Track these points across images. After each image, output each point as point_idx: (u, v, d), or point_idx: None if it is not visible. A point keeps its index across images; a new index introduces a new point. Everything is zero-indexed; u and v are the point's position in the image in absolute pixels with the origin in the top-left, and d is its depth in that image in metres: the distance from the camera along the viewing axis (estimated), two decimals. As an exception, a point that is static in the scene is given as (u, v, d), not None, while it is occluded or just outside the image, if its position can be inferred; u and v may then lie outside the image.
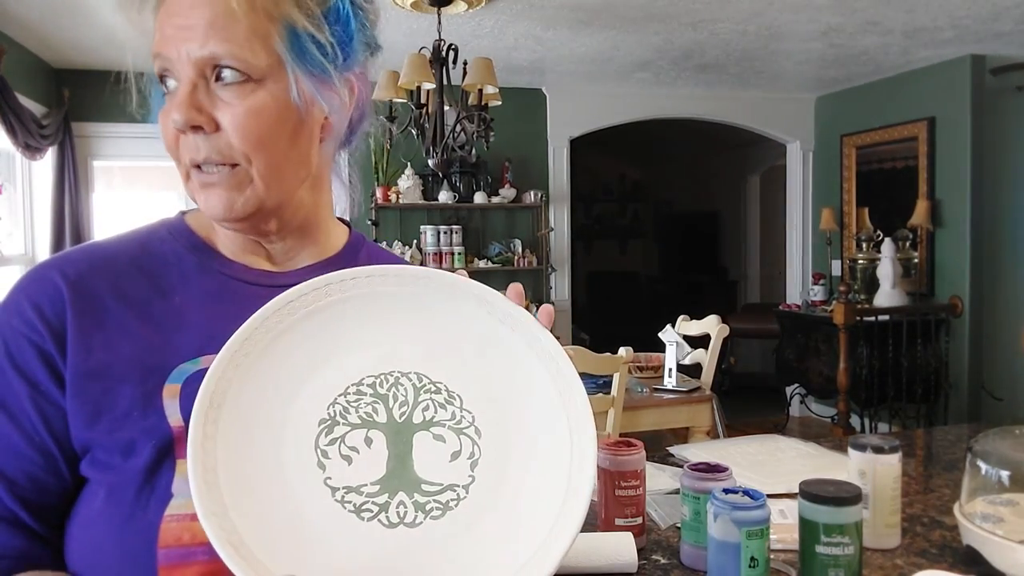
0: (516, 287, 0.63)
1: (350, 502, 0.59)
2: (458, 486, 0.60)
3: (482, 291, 0.61)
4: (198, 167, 0.66)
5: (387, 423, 0.61)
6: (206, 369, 0.65)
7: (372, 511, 0.59)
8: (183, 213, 0.76)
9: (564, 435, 0.60)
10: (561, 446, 0.60)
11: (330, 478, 0.60)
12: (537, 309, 0.64)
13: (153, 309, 0.68)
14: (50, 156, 3.95)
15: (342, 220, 0.83)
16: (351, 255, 0.79)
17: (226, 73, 0.64)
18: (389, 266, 0.62)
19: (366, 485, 0.60)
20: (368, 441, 0.61)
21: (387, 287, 0.61)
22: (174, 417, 0.64)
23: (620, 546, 0.96)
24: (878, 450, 1.01)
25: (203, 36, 0.63)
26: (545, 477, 0.60)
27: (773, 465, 1.34)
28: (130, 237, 0.73)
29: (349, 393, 0.61)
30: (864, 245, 4.87)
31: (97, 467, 0.63)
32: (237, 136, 0.64)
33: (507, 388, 0.62)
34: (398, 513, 0.59)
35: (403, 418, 0.61)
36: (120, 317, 0.66)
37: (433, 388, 0.62)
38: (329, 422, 0.61)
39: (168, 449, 0.63)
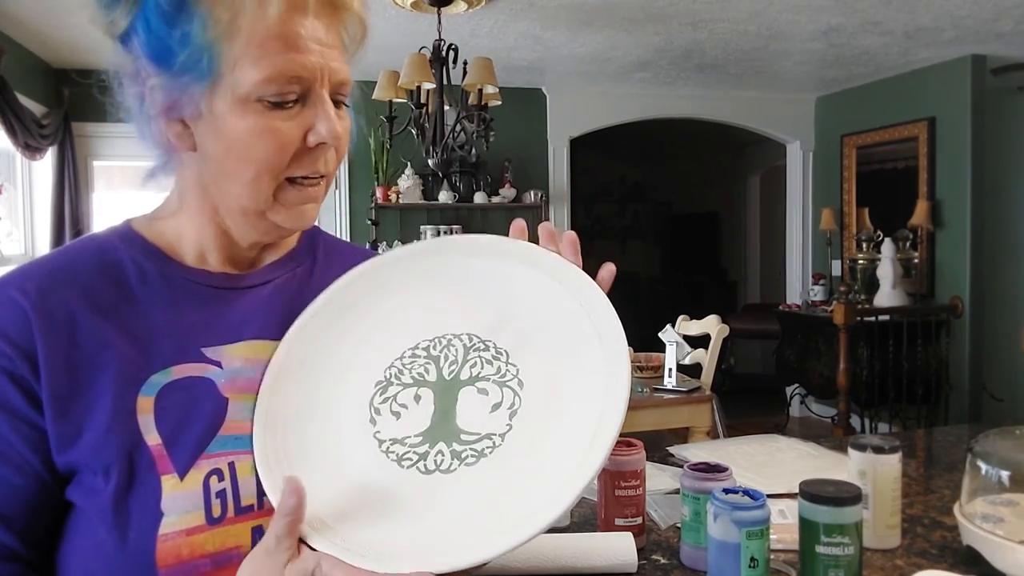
0: (571, 237, 0.67)
1: (393, 452, 0.61)
2: (495, 435, 0.61)
3: (533, 253, 0.67)
4: (292, 181, 0.66)
5: (436, 381, 0.64)
6: (178, 380, 0.65)
7: (412, 459, 0.61)
8: (128, 221, 0.73)
9: (599, 387, 0.61)
10: (593, 396, 0.61)
11: (379, 431, 0.63)
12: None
13: (123, 317, 0.65)
14: (50, 156, 3.95)
15: None
16: (308, 247, 0.79)
17: (338, 96, 0.67)
18: (439, 240, 0.71)
19: (410, 437, 0.62)
20: (417, 398, 0.64)
21: (444, 258, 0.69)
22: (151, 435, 0.62)
23: (620, 546, 0.96)
24: (878, 450, 1.01)
25: (341, 58, 0.66)
26: (574, 424, 0.61)
27: (773, 465, 1.34)
28: (83, 246, 0.70)
29: (405, 357, 0.66)
30: (864, 245, 4.87)
31: (82, 491, 0.61)
32: (342, 151, 0.69)
33: (552, 341, 0.63)
34: (435, 461, 0.60)
35: (451, 376, 0.64)
36: (93, 327, 0.64)
37: (482, 346, 0.65)
38: (384, 383, 0.65)
39: (150, 466, 0.61)
